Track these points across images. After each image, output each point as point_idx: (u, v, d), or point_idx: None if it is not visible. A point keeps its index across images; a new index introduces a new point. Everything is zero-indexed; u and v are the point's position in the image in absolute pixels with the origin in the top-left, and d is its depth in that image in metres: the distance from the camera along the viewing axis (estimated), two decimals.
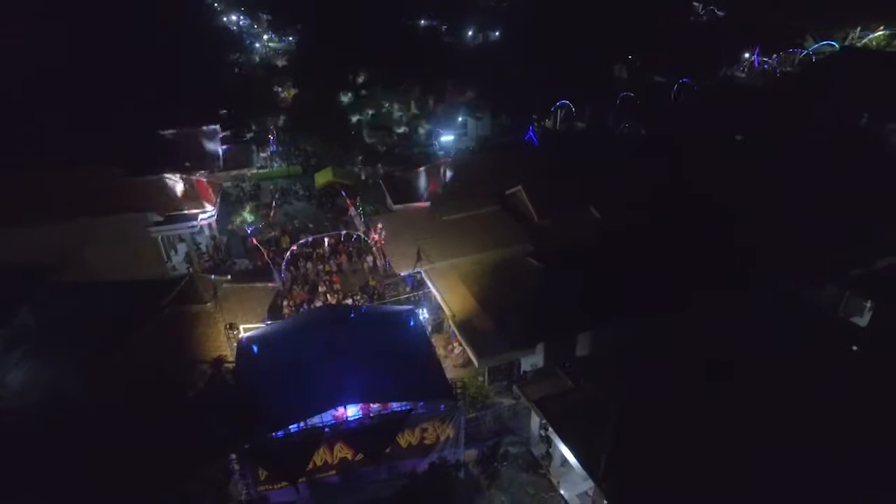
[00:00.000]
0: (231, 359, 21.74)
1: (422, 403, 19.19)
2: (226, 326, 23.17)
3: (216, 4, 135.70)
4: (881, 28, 70.23)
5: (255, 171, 44.75)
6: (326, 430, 18.43)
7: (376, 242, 31.48)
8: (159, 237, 33.10)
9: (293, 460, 18.42)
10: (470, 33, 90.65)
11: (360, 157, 47.60)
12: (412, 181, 39.13)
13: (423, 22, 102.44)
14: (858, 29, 76.03)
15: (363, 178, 44.01)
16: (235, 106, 55.34)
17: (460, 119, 52.79)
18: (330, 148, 48.50)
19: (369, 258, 34.35)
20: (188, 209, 33.19)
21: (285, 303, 30.48)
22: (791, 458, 16.68)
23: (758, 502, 16.07)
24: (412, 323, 22.68)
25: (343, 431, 18.61)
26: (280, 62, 76.47)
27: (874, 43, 69.18)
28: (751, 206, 31.07)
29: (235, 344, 22.56)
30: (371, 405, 18.96)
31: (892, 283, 28.08)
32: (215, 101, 52.72)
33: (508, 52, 74.72)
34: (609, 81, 64.47)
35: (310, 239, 32.62)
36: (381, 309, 24.31)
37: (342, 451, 18.95)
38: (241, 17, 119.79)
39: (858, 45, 70.13)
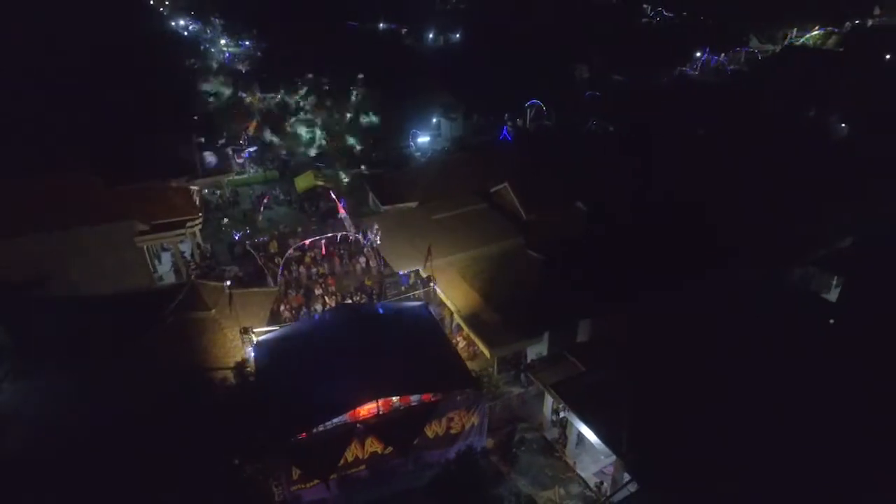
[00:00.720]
0: (247, 363, 21.62)
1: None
2: (241, 331, 23.01)
3: (161, 9, 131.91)
4: (816, 28, 75.35)
5: (232, 177, 44.03)
6: (359, 425, 18.70)
7: (371, 242, 31.69)
8: (146, 247, 32.24)
9: (326, 457, 18.60)
10: (430, 36, 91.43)
11: (337, 161, 47.51)
12: (398, 182, 39.51)
13: (381, 25, 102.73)
14: (795, 30, 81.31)
15: (345, 181, 44.00)
16: (201, 112, 54.32)
17: (434, 120, 53.46)
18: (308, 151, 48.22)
19: (362, 259, 34.51)
20: (175, 217, 32.48)
21: (282, 307, 30.36)
22: (790, 420, 18.15)
23: (765, 463, 17.35)
24: (426, 317, 23.13)
25: (374, 425, 18.92)
26: (242, 66, 75.05)
27: (812, 42, 74.16)
28: (720, 195, 33.03)
29: (250, 348, 22.45)
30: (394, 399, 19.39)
31: (854, 259, 30.50)
32: (182, 107, 51.58)
33: (470, 55, 76.09)
34: (572, 81, 66.54)
35: (307, 242, 32.51)
36: (396, 305, 24.63)
37: (373, 446, 19.25)
38: (191, 22, 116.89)
39: (797, 43, 74.98)
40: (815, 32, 75.34)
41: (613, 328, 24.84)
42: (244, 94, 62.80)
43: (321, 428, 18.44)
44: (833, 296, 30.55)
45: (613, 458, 22.06)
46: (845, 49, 71.77)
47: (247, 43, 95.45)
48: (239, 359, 21.51)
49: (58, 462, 16.50)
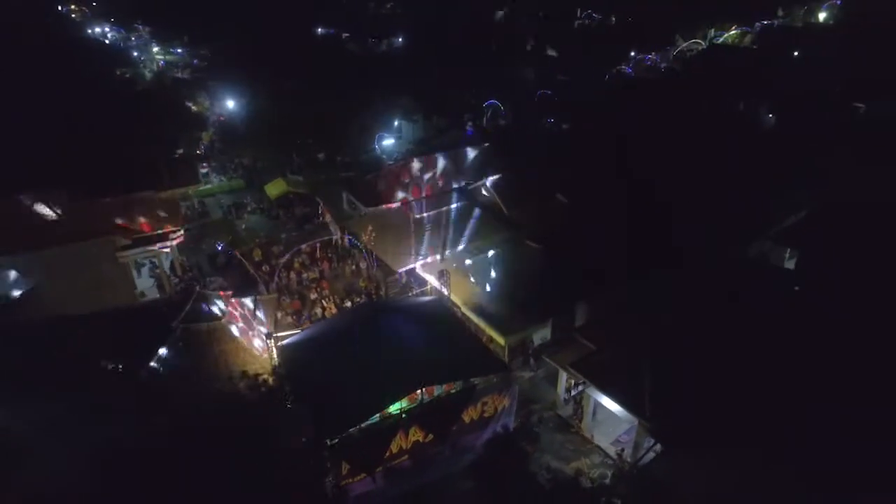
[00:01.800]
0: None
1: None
2: (266, 336, 22.85)
3: (73, 16, 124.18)
4: (734, 28, 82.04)
5: (200, 187, 42.77)
6: (403, 415, 19.28)
7: (365, 244, 32.02)
8: (128, 262, 31.00)
9: (373, 450, 19.06)
10: (372, 40, 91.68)
11: (306, 166, 47.22)
12: (377, 183, 39.85)
13: (319, 30, 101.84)
14: (713, 30, 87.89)
15: (317, 185, 43.78)
16: (146, 122, 52.12)
17: (395, 123, 54.04)
18: (272, 158, 47.50)
19: (352, 262, 34.72)
20: (156, 229, 31.44)
21: (279, 314, 30.12)
22: (786, 377, 20.47)
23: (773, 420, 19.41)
24: (445, 309, 23.93)
25: (417, 414, 19.55)
26: (181, 74, 72.33)
27: (730, 40, 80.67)
28: (679, 184, 35.71)
29: (275, 352, 22.41)
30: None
31: (804, 233, 34.09)
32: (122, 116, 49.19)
33: (418, 58, 77.14)
34: (520, 81, 68.90)
35: (303, 246, 32.35)
36: (413, 300, 25.24)
37: (415, 435, 19.86)
38: (112, 30, 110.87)
39: (718, 42, 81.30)
40: (733, 32, 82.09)
41: (611, 309, 26.62)
42: (190, 104, 60.88)
43: (369, 421, 18.84)
44: (787, 267, 33.95)
45: (627, 427, 24.06)
46: (759, 47, 78.55)
47: (179, 50, 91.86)
48: (266, 364, 21.45)
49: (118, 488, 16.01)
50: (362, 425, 18.59)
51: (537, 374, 27.07)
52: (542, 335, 27.69)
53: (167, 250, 32.02)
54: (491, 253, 30.78)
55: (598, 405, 23.89)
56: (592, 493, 18.17)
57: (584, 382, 23.10)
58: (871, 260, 28.51)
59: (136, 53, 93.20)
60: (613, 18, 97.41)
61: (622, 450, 22.88)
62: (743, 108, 57.76)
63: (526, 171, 39.36)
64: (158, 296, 32.54)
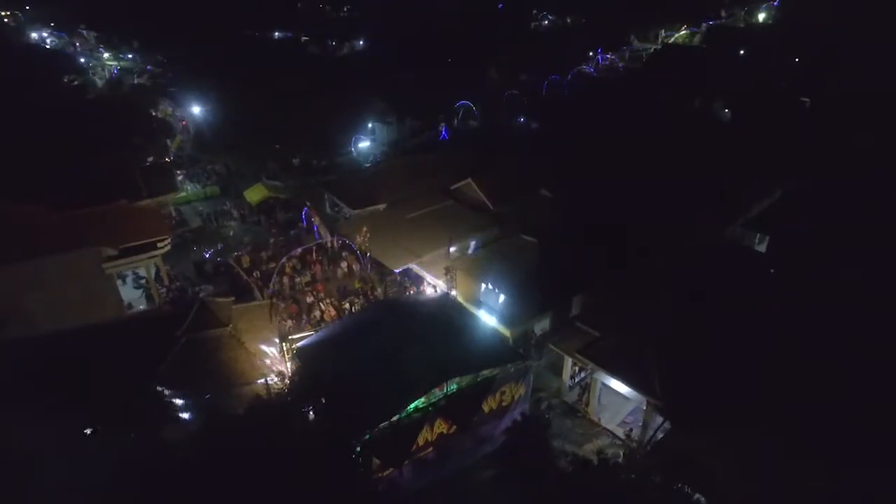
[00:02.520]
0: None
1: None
2: (282, 339, 22.74)
3: (6, 20, 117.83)
4: (683, 28, 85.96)
5: (178, 195, 41.66)
6: (430, 408, 19.67)
7: (360, 246, 32.14)
8: (114, 273, 30.05)
9: (401, 444, 19.38)
10: (333, 44, 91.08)
11: (281, 171, 46.69)
12: (360, 186, 39.96)
13: (276, 34, 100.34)
14: (663, 31, 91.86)
15: (298, 189, 43.48)
16: (109, 131, 50.31)
17: (370, 126, 54.08)
18: (246, 164, 46.75)
19: (343, 264, 34.71)
20: (143, 239, 30.58)
21: (277, 318, 29.86)
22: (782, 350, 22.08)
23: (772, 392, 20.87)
24: (454, 304, 24.44)
25: (442, 407, 19.99)
26: (140, 80, 69.92)
27: (681, 40, 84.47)
28: (651, 177, 37.40)
29: (290, 355, 22.37)
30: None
31: (771, 219, 36.39)
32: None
33: (378, 60, 77.10)
34: (485, 82, 70.01)
35: (299, 250, 32.16)
36: (422, 297, 25.61)
37: (440, 427, 20.30)
38: (52, 35, 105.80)
39: (669, 42, 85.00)
40: (683, 32, 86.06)
41: (609, 297, 27.78)
42: (154, 112, 59.06)
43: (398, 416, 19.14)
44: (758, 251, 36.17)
45: (631, 408, 25.24)
46: (707, 46, 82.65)
47: (130, 56, 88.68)
48: (282, 368, 21.42)
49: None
50: (392, 420, 18.86)
51: (540, 364, 27.89)
52: (542, 326, 28.56)
53: (154, 260, 31.13)
54: (487, 248, 31.39)
55: (602, 389, 24.97)
56: (613, 470, 19.06)
57: (590, 368, 24.06)
58: (835, 241, 30.93)
59: (83, 59, 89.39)
60: (569, 20, 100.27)
61: (630, 430, 23.98)
62: (699, 104, 60.71)
63: (507, 169, 40.32)
64: (146, 307, 31.68)
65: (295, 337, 23.52)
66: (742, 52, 79.17)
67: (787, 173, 40.34)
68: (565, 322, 28.07)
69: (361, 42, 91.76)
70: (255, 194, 41.54)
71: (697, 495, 18.34)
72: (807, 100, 59.87)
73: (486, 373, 20.60)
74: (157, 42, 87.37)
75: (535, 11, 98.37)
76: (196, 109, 57.56)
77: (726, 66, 69.78)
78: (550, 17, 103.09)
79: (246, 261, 34.77)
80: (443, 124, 53.89)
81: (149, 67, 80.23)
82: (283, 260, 30.88)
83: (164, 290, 32.42)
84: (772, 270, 30.45)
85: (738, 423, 19.35)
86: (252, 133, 49.07)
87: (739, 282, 26.96)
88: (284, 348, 22.63)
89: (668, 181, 37.19)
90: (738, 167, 40.65)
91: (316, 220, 34.48)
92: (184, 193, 44.00)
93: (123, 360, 22.73)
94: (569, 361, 25.81)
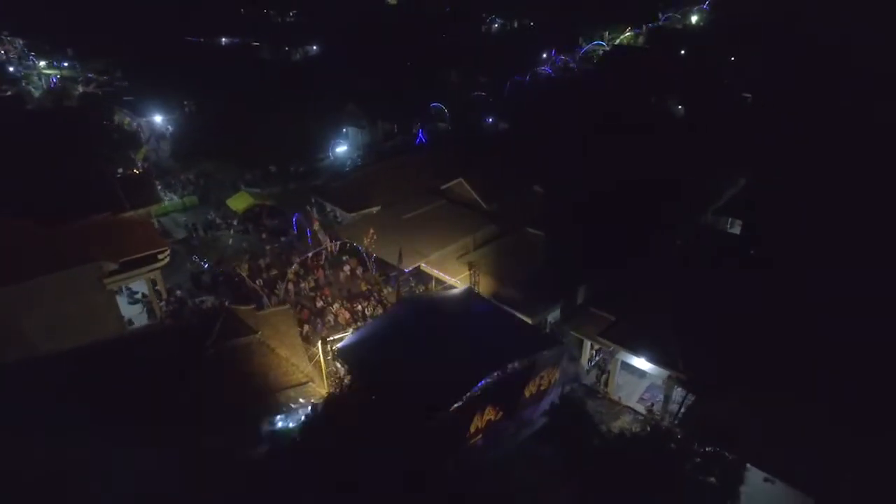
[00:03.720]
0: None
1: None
2: (322, 341, 22.80)
3: None
4: (628, 30, 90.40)
5: (160, 206, 40.26)
6: (481, 394, 20.42)
7: (366, 248, 32.38)
8: (115, 289, 28.96)
9: (457, 432, 20.05)
10: (287, 49, 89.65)
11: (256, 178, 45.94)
12: (352, 189, 40.07)
13: (223, 40, 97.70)
14: (607, 32, 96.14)
15: (285, 196, 42.99)
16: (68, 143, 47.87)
17: (344, 130, 53.96)
18: (222, 172, 45.69)
19: (346, 268, 34.81)
20: (141, 251, 29.62)
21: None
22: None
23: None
24: (479, 297, 25.29)
25: (491, 393, 20.77)
26: (88, 89, 66.46)
27: (625, 41, 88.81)
28: (624, 172, 39.54)
29: (330, 357, 22.53)
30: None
31: (741, 205, 39.36)
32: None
33: (337, 66, 76.65)
34: (446, 84, 71.16)
35: (310, 254, 31.99)
36: (447, 293, 26.25)
37: (489, 414, 21.06)
38: None
39: (615, 43, 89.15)
40: (628, 34, 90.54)
41: (617, 284, 29.34)
42: (110, 122, 56.47)
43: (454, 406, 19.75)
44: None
45: (646, 385, 26.95)
46: (650, 47, 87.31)
47: (66, 64, 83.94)
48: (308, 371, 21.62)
49: None
50: (451, 408, 19.45)
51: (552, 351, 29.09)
52: (553, 315, 29.83)
53: (155, 273, 30.19)
54: (496, 243, 32.41)
55: (619, 370, 26.51)
56: (650, 439, 20.48)
57: (612, 349, 25.47)
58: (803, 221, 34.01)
59: (12, 69, 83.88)
60: (516, 24, 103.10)
61: (651, 405, 25.60)
62: (655, 101, 64.26)
63: (492, 168, 41.50)
64: (148, 322, 30.68)
65: (335, 338, 23.57)
66: (682, 51, 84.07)
67: (745, 163, 43.69)
68: (575, 310, 29.52)
69: (315, 47, 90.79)
70: (239, 202, 40.76)
71: (734, 456, 19.97)
72: (748, 95, 64.77)
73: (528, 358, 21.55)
74: (98, 49, 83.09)
75: (484, 15, 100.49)
76: (158, 118, 55.55)
77: (670, 65, 74.13)
78: (499, 20, 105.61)
79: (245, 269, 34.25)
80: (419, 127, 54.48)
81: (90, 75, 76.32)
82: (296, 264, 30.67)
83: (162, 303, 31.43)
84: (751, 252, 33.12)
85: (763, 390, 21.17)
86: (223, 141, 47.84)
87: (728, 261, 29.40)
88: (321, 350, 22.70)
89: (644, 173, 39.49)
90: (699, 159, 43.58)
91: (315, 226, 34.34)
92: (164, 204, 42.55)
93: (150, 374, 22.31)
94: (587, 345, 27.23)
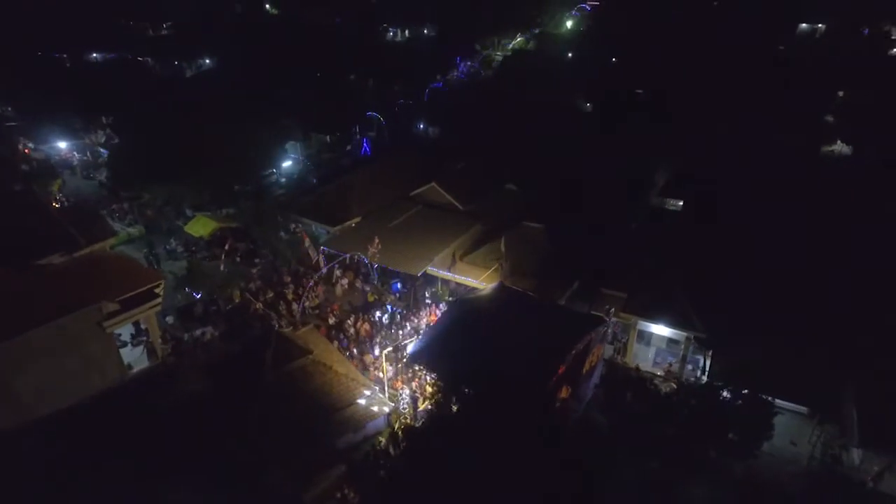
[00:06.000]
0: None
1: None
2: (393, 351, 22.80)
3: None
4: (518, 35, 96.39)
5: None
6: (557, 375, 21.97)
7: (371, 258, 32.32)
8: (116, 331, 26.22)
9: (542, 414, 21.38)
10: (177, 63, 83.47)
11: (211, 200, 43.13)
12: (325, 204, 39.37)
13: (94, 55, 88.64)
14: (497, 39, 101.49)
15: (248, 216, 40.90)
16: None
17: (285, 146, 52.14)
18: (167, 197, 42.35)
19: (344, 281, 34.38)
20: (138, 287, 27.07)
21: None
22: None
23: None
24: (513, 289, 26.79)
25: (564, 374, 22.41)
26: None
27: (518, 46, 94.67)
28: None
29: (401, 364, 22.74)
30: None
31: (681, 187, 44.65)
32: None
33: (232, 80, 72.84)
34: (363, 93, 71.08)
35: (324, 270, 31.00)
36: (483, 291, 27.31)
37: (563, 393, 22.71)
38: None
39: (509, 49, 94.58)
40: (519, 39, 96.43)
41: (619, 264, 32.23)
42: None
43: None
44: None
45: (654, 350, 30.15)
46: (539, 51, 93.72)
47: None
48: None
49: None
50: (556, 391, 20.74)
51: None
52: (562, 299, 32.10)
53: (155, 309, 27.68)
54: (497, 241, 33.87)
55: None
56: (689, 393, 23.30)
57: (629, 322, 28.27)
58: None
59: None
60: (407, 32, 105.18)
61: (670, 365, 28.76)
62: (564, 99, 69.62)
63: (456, 171, 43.00)
64: (149, 363, 28.09)
65: (404, 344, 23.69)
66: (570, 54, 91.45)
67: (669, 152, 49.51)
68: (582, 292, 31.99)
69: (208, 61, 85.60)
70: (202, 227, 38.19)
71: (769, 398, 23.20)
72: (640, 91, 72.51)
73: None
74: None
75: (385, 25, 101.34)
76: (62, 144, 49.68)
77: (560, 67, 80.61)
78: (393, 29, 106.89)
79: (237, 295, 32.55)
80: (362, 137, 54.23)
81: None
82: (311, 284, 29.87)
83: (162, 341, 28.92)
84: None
85: (779, 335, 24.87)
86: (160, 165, 44.23)
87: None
88: (384, 357, 22.85)
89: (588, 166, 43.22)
90: (625, 149, 48.35)
91: (306, 242, 33.41)
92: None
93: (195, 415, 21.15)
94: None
